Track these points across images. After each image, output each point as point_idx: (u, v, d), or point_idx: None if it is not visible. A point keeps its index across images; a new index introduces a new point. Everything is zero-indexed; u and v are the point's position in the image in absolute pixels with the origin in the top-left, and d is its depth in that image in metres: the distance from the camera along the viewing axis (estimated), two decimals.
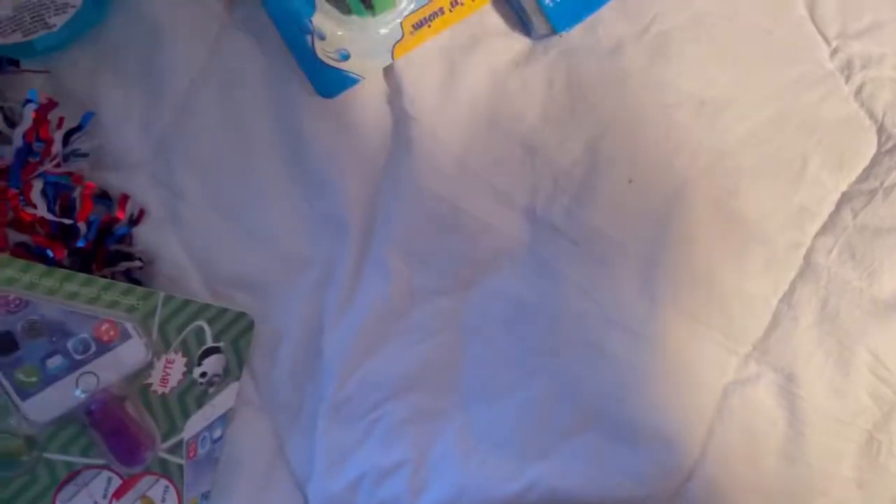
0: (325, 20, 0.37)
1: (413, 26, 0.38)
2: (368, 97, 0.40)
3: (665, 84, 0.41)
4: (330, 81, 0.38)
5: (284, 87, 0.40)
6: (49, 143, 0.37)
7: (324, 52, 0.37)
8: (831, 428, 0.41)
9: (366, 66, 0.38)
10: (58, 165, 0.37)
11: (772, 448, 0.41)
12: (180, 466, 0.39)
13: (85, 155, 0.38)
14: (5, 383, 0.33)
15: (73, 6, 0.37)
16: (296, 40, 0.38)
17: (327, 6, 0.36)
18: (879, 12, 0.42)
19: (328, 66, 0.37)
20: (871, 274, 0.41)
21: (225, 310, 0.39)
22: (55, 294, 0.35)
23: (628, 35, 0.41)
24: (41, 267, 0.35)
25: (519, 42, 0.40)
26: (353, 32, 0.37)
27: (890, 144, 0.41)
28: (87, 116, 0.38)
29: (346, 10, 0.36)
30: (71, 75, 0.39)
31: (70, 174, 0.37)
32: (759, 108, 0.41)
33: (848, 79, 0.41)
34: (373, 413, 0.40)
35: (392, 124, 0.40)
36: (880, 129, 0.41)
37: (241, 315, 0.39)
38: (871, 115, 0.41)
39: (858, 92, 0.41)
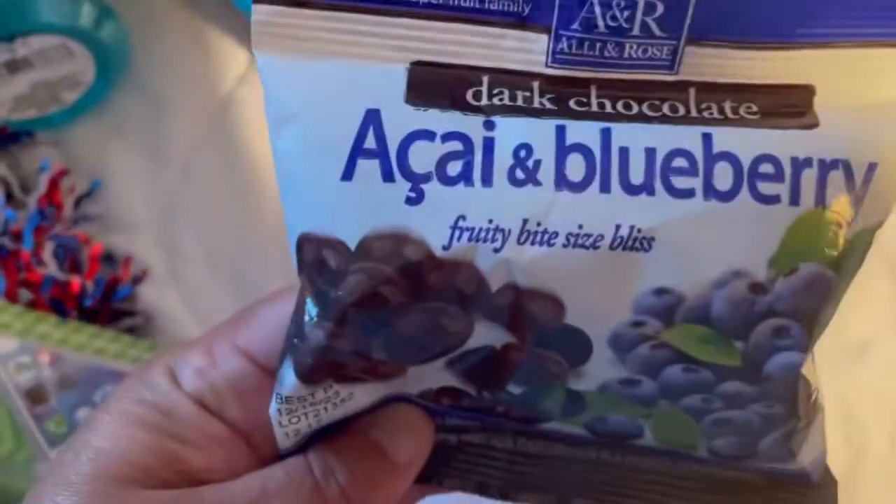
0: None
1: None
2: None
3: None
4: None
5: None
6: (60, 208, 0.39)
7: None
8: None
9: None
10: (68, 229, 0.39)
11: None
12: None
13: (92, 218, 0.41)
14: (37, 433, 0.35)
15: (85, 83, 0.40)
16: None
17: None
18: None
19: None
20: (836, 319, 0.42)
21: None
22: (84, 349, 0.37)
23: None
24: (73, 323, 0.37)
25: None
26: None
27: None
28: (96, 183, 0.41)
29: None
30: (80, 145, 0.42)
31: (78, 236, 0.40)
32: None
33: None
34: None
35: None
36: None
37: None
38: None
39: None
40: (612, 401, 0.19)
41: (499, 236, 0.16)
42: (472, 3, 0.17)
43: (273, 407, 0.19)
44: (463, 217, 0.16)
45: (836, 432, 0.42)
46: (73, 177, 0.40)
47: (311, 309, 0.18)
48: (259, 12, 0.17)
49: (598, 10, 0.17)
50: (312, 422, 0.19)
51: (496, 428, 0.21)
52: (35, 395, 0.36)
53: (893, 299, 0.43)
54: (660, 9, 0.17)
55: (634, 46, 0.17)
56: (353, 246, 0.17)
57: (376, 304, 0.17)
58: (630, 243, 0.16)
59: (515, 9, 0.17)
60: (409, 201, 0.17)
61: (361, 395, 0.20)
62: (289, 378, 0.19)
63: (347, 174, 0.17)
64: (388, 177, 0.17)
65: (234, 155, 0.42)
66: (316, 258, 0.17)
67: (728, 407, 0.19)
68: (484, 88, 0.17)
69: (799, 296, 0.17)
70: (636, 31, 0.17)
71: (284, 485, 0.19)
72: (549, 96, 0.17)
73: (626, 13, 0.17)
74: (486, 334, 0.18)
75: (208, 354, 0.20)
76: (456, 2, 0.17)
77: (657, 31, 0.17)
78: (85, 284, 0.38)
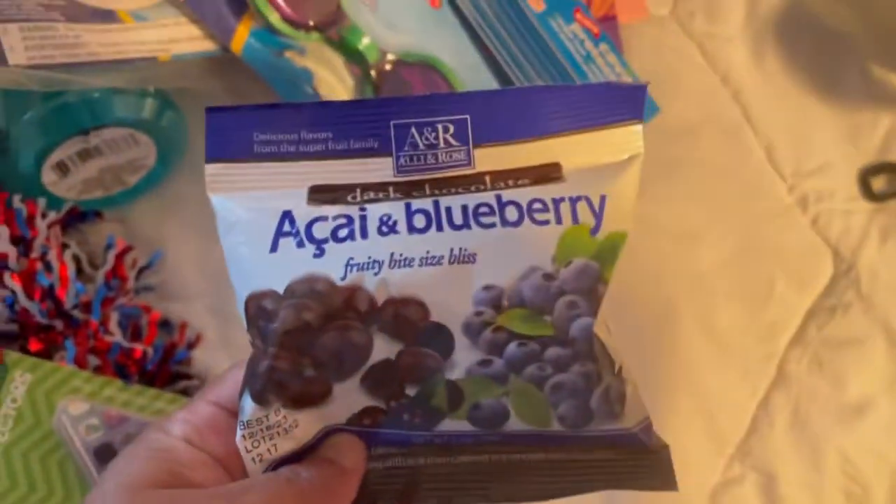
0: None
1: None
2: None
3: (647, 217, 0.48)
4: None
5: None
6: (124, 280, 0.43)
7: None
8: None
9: None
10: (130, 299, 0.44)
11: None
12: None
13: (152, 288, 0.45)
14: None
15: (147, 166, 0.45)
16: None
17: None
18: (827, 153, 0.49)
19: None
20: (837, 382, 0.46)
21: None
22: (145, 410, 0.40)
23: None
24: (136, 387, 0.40)
25: None
26: None
27: (844, 267, 0.47)
28: (156, 256, 0.45)
29: None
30: (141, 221, 0.46)
31: (140, 305, 0.44)
32: (728, 239, 0.48)
33: (804, 211, 0.48)
34: None
35: None
36: (835, 254, 0.48)
37: None
38: (827, 241, 0.48)
39: (814, 222, 0.48)
40: (479, 384, 0.27)
41: (376, 265, 0.26)
42: (343, 146, 0.27)
43: (238, 435, 0.26)
44: (352, 258, 0.26)
45: (837, 488, 0.45)
46: (134, 251, 0.45)
47: (259, 345, 0.26)
48: (209, 169, 0.27)
49: (416, 136, 0.27)
50: (270, 447, 0.27)
51: (410, 447, 0.28)
52: (102, 454, 0.39)
53: (890, 362, 0.46)
54: (452, 129, 0.27)
55: (443, 154, 0.27)
56: (281, 292, 0.26)
57: (301, 327, 0.26)
58: (461, 259, 0.26)
59: (369, 145, 0.27)
60: (316, 256, 0.26)
61: (304, 424, 0.27)
62: (247, 405, 0.26)
63: (273, 248, 0.26)
64: (300, 245, 0.26)
65: None
66: (258, 308, 0.26)
67: (556, 371, 0.27)
68: (358, 194, 0.27)
69: (576, 278, 0.27)
70: (442, 144, 0.27)
71: (264, 480, 0.26)
72: (399, 194, 0.27)
73: (433, 134, 0.27)
74: (382, 347, 0.26)
75: (189, 409, 0.28)
76: (333, 147, 0.27)
77: (454, 143, 0.27)
78: (146, 350, 0.42)
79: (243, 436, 0.26)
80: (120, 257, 0.43)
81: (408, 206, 0.27)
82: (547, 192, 0.27)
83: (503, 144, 0.28)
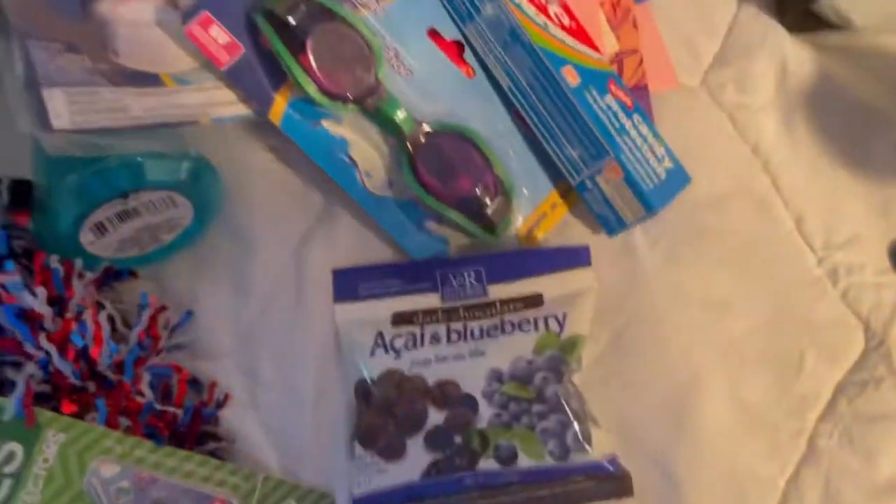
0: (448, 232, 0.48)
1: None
2: None
3: (676, 286, 0.48)
4: None
5: None
6: (157, 339, 0.44)
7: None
8: None
9: None
10: (162, 358, 0.44)
11: None
12: None
13: (183, 347, 0.45)
14: None
15: (183, 225, 0.45)
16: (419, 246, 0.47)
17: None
18: (857, 226, 0.49)
19: None
20: (869, 458, 0.45)
21: (311, 490, 0.44)
22: (174, 473, 0.40)
23: (643, 245, 0.48)
24: (166, 448, 0.41)
25: None
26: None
27: (875, 342, 0.47)
28: (187, 316, 0.45)
29: (471, 235, 0.47)
30: (174, 279, 0.47)
31: (171, 365, 0.44)
32: (757, 309, 0.48)
33: (835, 284, 0.48)
34: None
35: None
36: (866, 329, 0.47)
37: (324, 495, 0.44)
38: (858, 315, 0.48)
39: (844, 295, 0.48)
40: (495, 430, 0.42)
41: (429, 363, 0.43)
42: (410, 287, 0.46)
43: (349, 467, 0.42)
44: (414, 358, 0.44)
45: None
46: (168, 310, 0.45)
47: (363, 410, 0.43)
48: (337, 308, 0.46)
49: (452, 279, 0.46)
50: (364, 480, 0.42)
51: (462, 494, 0.40)
52: None
53: None
54: (473, 275, 0.46)
55: (469, 289, 0.45)
56: (375, 379, 0.44)
57: (386, 400, 0.43)
58: (477, 354, 0.44)
59: (425, 285, 0.46)
60: (394, 358, 0.44)
61: (392, 473, 0.41)
62: (356, 447, 0.42)
63: (371, 354, 0.44)
64: (386, 352, 0.44)
65: (312, 288, 0.47)
66: (364, 389, 0.44)
67: (541, 419, 0.42)
68: (420, 316, 0.45)
69: (548, 362, 0.44)
70: (468, 283, 0.45)
71: None
72: (444, 314, 0.45)
73: (462, 278, 0.46)
74: (434, 416, 0.42)
75: None
76: (404, 288, 0.46)
77: (475, 282, 0.46)
78: (176, 412, 0.42)
79: (352, 468, 0.42)
80: (153, 317, 0.44)
81: (448, 327, 0.44)
82: (532, 313, 0.45)
83: (507, 282, 0.45)
